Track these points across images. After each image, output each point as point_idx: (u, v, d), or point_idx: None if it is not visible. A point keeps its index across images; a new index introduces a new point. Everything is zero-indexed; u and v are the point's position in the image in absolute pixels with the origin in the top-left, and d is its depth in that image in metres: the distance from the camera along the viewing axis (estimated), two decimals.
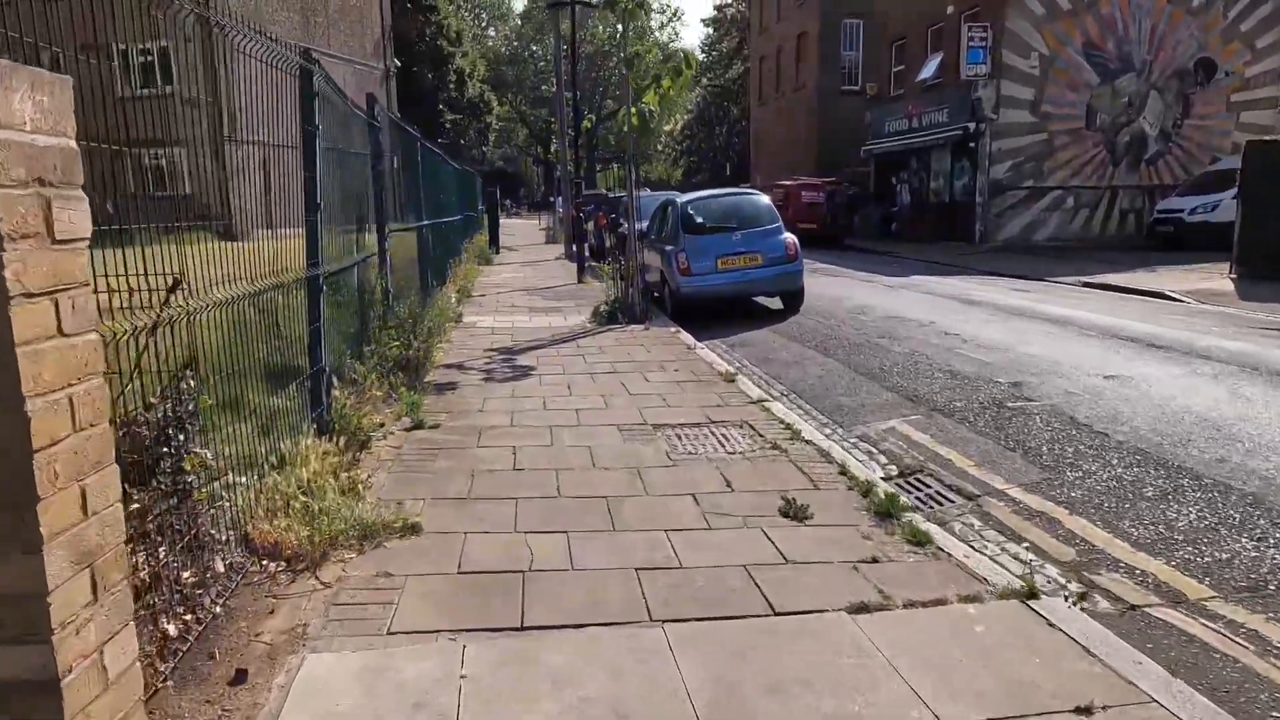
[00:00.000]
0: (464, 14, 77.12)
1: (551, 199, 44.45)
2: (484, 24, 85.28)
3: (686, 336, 9.71)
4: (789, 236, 11.40)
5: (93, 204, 2.06)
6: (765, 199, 12.08)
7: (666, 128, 55.87)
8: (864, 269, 17.85)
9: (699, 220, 11.51)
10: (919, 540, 3.87)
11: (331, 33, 30.63)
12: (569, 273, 17.69)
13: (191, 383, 2.95)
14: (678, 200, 12.03)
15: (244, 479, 3.49)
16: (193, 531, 2.88)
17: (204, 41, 3.58)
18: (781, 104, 39.44)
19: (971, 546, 3.96)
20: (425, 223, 10.95)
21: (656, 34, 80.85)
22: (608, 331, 10.08)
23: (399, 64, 36.14)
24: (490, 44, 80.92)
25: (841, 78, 35.13)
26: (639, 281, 10.91)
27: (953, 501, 4.75)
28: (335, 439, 4.66)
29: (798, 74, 37.35)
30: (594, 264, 19.27)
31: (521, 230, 39.71)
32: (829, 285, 14.50)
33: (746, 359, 8.84)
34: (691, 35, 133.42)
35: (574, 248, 22.48)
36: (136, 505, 2.47)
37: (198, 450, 2.88)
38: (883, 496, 4.32)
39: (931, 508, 4.67)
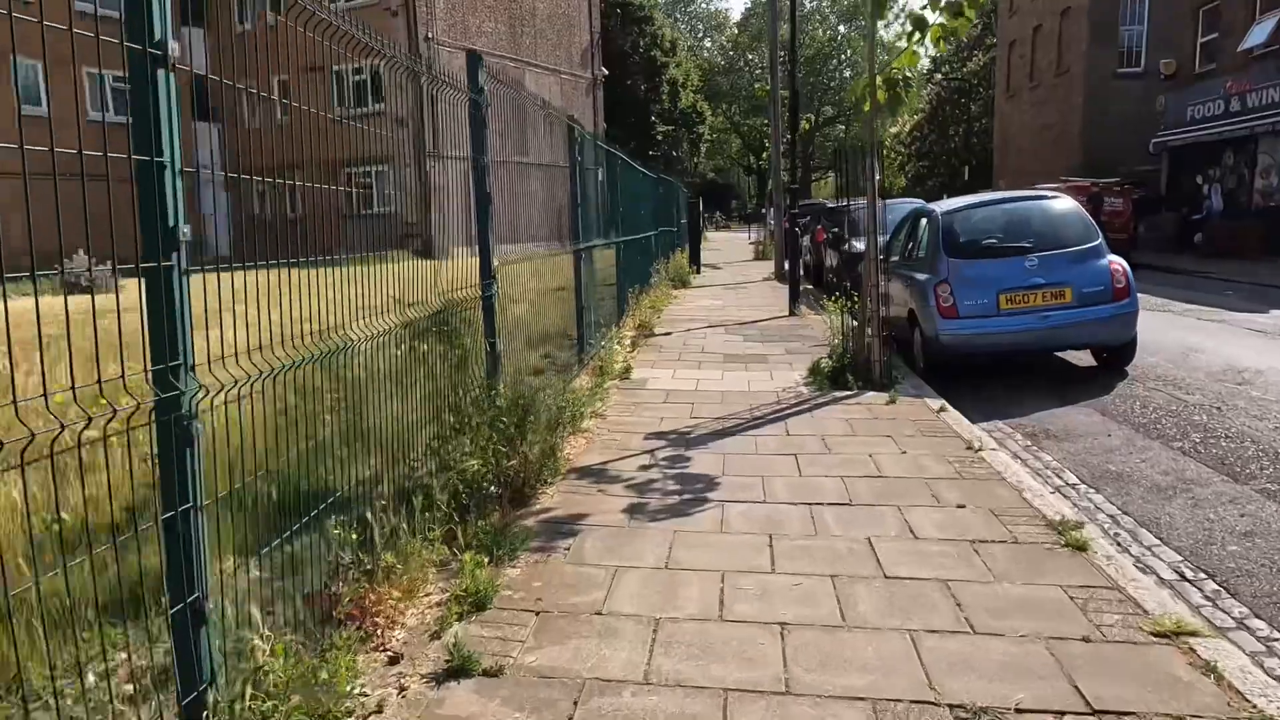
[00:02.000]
0: (680, 25, 76.28)
1: (763, 210, 41.37)
2: (699, 35, 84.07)
3: (956, 418, 6.27)
4: (1116, 262, 7.54)
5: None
6: (1072, 205, 8.23)
7: (893, 129, 50.64)
8: (1187, 298, 13.10)
9: (970, 237, 7.95)
10: None
11: (539, 42, 29.60)
12: (779, 300, 14.51)
13: None
14: (934, 210, 8.52)
15: None
16: None
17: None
18: (1036, 95, 33.67)
19: None
20: (590, 244, 8.33)
21: (882, 33, 75.74)
22: (832, 404, 6.85)
23: (606, 73, 34.70)
24: (705, 55, 79.46)
25: (1118, 58, 29.03)
26: (878, 325, 7.55)
27: None
28: None
29: (1060, 57, 31.53)
30: (809, 288, 16.04)
31: (729, 245, 36.98)
32: (1154, 326, 10.19)
33: (1075, 473, 5.27)
34: None
35: (785, 267, 19.30)
36: None
37: None
38: None
39: None
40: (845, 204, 16.89)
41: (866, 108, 7.31)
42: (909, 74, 7.12)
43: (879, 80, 7.00)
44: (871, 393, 7.13)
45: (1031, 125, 33.98)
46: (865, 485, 4.78)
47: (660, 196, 17.47)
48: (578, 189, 7.75)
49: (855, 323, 7.88)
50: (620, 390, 7.51)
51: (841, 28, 77.32)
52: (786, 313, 12.61)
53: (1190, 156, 23.09)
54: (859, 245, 14.37)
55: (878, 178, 7.49)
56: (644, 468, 5.23)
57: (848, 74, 75.29)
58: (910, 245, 8.86)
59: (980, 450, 5.41)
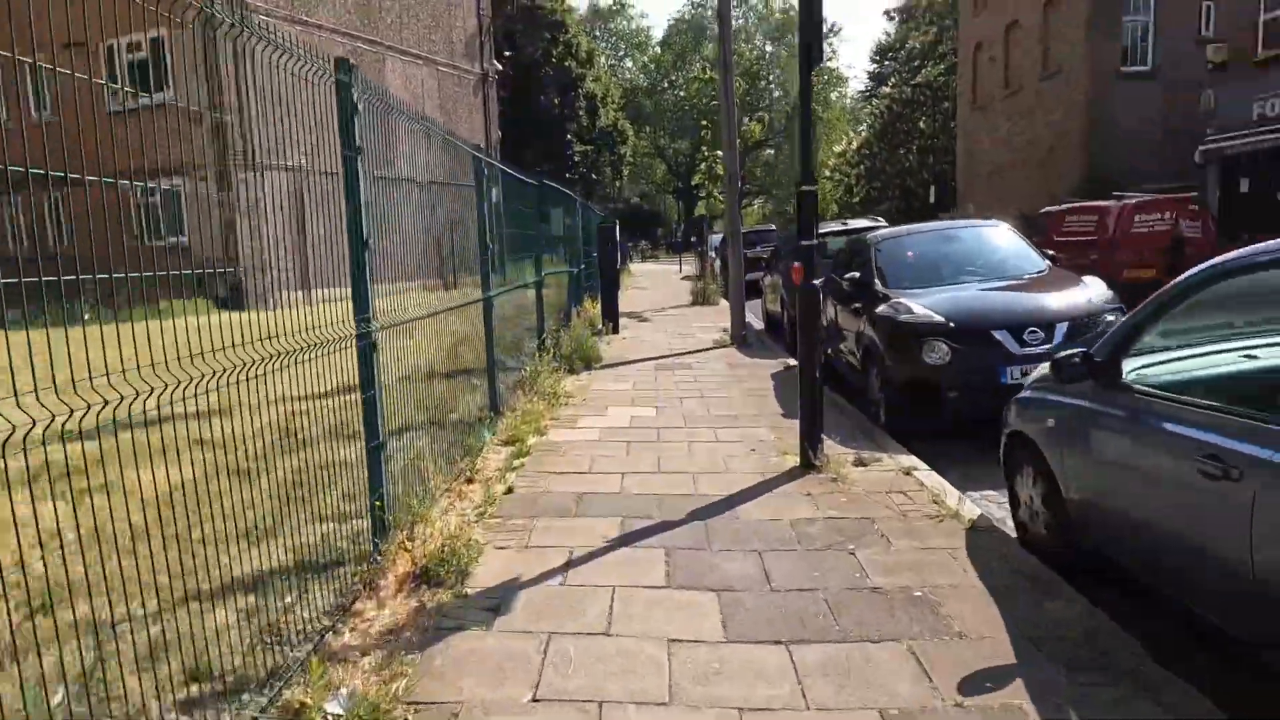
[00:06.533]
0: (600, 42, 70.51)
1: (693, 240, 35.22)
2: (620, 54, 78.52)
3: None
4: None
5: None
6: None
7: (837, 148, 45.29)
8: None
9: None
10: None
11: (405, 21, 22.74)
12: (759, 405, 7.92)
13: None
14: None
15: None
16: None
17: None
18: (1014, 103, 28.44)
19: None
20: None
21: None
22: None
23: (499, 67, 28.03)
24: (628, 75, 73.98)
25: (1121, 55, 23.90)
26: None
27: None
28: None
29: (1045, 58, 26.33)
30: (791, 364, 9.45)
31: (659, 281, 30.39)
32: None
33: None
34: (851, 51, 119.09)
35: (750, 324, 12.80)
36: None
37: None
38: None
39: None
40: (867, 228, 10.44)
41: None
42: None
43: None
44: None
45: (1008, 139, 28.75)
46: None
47: (552, 217, 10.75)
48: None
49: None
50: None
51: (769, 46, 72.79)
52: (797, 459, 5.93)
53: (1255, 166, 17.72)
54: (917, 308, 7.87)
55: None
56: None
57: (777, 94, 70.42)
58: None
59: None
